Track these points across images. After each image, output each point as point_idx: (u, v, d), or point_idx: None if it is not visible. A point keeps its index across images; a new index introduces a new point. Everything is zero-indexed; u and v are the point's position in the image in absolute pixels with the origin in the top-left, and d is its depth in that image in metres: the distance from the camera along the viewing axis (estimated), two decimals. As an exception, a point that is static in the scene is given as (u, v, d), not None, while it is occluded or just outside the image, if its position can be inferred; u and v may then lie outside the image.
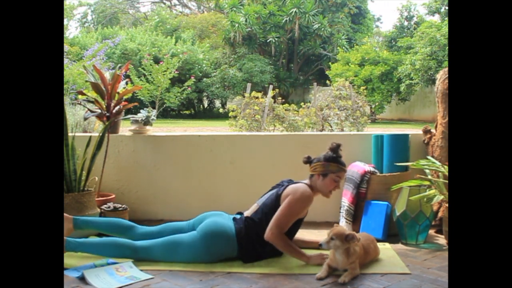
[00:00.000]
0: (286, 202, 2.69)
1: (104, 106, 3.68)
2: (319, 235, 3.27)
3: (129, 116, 4.01)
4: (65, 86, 6.36)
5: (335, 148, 2.84)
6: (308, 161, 2.87)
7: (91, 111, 3.66)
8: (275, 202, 2.74)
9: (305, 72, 24.59)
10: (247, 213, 2.83)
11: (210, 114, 22.32)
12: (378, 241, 3.13)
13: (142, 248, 2.66)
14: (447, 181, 3.00)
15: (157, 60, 14.28)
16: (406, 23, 23.58)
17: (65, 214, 2.84)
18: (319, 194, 2.84)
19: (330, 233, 2.46)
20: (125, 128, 4.15)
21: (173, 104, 14.91)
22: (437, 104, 3.58)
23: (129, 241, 2.70)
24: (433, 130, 3.60)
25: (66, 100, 5.82)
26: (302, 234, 3.07)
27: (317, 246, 2.56)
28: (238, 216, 2.83)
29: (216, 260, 2.66)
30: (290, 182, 2.87)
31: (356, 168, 3.42)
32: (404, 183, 3.18)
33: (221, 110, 17.51)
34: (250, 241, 2.68)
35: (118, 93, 3.73)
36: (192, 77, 14.26)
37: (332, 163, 2.78)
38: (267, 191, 2.93)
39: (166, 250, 2.64)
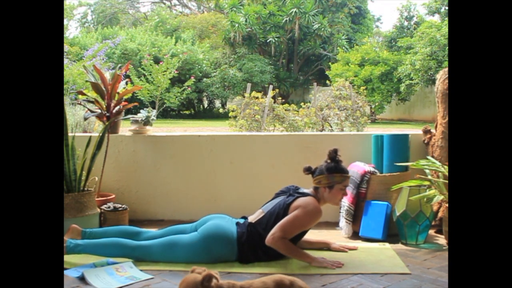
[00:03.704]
0: (295, 213, 2.65)
1: (104, 106, 3.68)
2: (320, 235, 3.28)
3: (129, 116, 4.01)
4: (65, 86, 6.36)
5: (334, 156, 2.79)
6: (310, 171, 2.83)
7: (91, 111, 3.66)
8: (283, 212, 2.70)
9: (305, 72, 24.59)
10: (251, 218, 2.81)
11: (210, 114, 22.33)
12: (378, 241, 3.15)
13: (142, 247, 2.66)
14: (447, 181, 3.00)
15: (157, 60, 14.29)
16: (406, 23, 23.59)
17: (75, 226, 2.84)
18: (327, 203, 2.81)
19: None
20: (125, 128, 4.14)
21: (173, 104, 14.91)
22: (437, 104, 3.58)
23: (128, 240, 2.70)
24: (433, 130, 3.60)
25: (66, 100, 5.82)
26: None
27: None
28: (241, 221, 2.81)
29: (215, 262, 2.65)
30: (297, 189, 2.83)
31: (356, 168, 3.42)
32: (404, 183, 3.18)
33: (221, 110, 17.53)
34: (251, 247, 2.66)
35: (118, 93, 3.73)
36: (192, 77, 14.25)
37: (335, 174, 2.75)
38: (272, 197, 2.89)
39: (165, 250, 2.64)
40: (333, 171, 2.75)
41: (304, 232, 2.79)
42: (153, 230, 2.91)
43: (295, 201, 2.71)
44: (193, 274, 1.87)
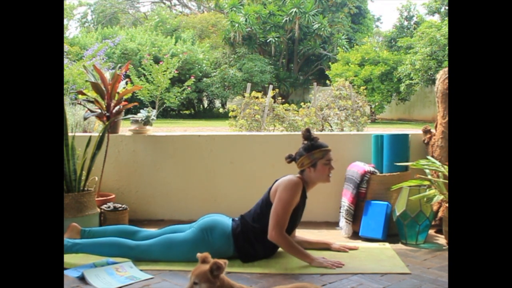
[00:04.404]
0: (276, 197, 2.69)
1: (104, 106, 3.68)
2: (320, 235, 3.28)
3: (129, 116, 4.01)
4: (65, 86, 6.36)
5: (308, 135, 2.83)
6: (292, 158, 2.86)
7: (91, 111, 3.66)
8: (266, 200, 2.76)
9: (305, 72, 24.59)
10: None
11: (210, 114, 22.33)
12: (378, 241, 3.15)
13: (140, 246, 2.66)
14: (447, 181, 3.00)
15: (157, 60, 14.29)
16: (406, 23, 23.59)
17: (74, 224, 2.85)
18: (318, 183, 2.83)
19: (191, 277, 1.94)
20: (125, 128, 4.15)
21: (173, 104, 14.92)
22: (437, 104, 3.58)
23: (126, 240, 2.70)
24: (433, 130, 3.60)
25: (66, 100, 5.82)
26: (303, 234, 3.07)
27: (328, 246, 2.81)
28: (237, 218, 2.84)
29: (213, 256, 2.65)
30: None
31: (356, 168, 3.42)
32: (404, 183, 3.18)
33: (221, 110, 17.53)
34: (246, 239, 2.69)
35: (118, 93, 3.73)
36: (192, 77, 14.25)
37: (314, 151, 2.77)
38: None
39: (164, 248, 2.65)
40: (311, 149, 2.78)
41: (296, 215, 2.77)
42: (151, 230, 2.92)
43: (273, 186, 2.78)
44: (202, 264, 1.97)
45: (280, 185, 2.73)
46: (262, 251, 2.72)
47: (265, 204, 2.75)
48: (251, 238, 2.70)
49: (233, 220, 2.81)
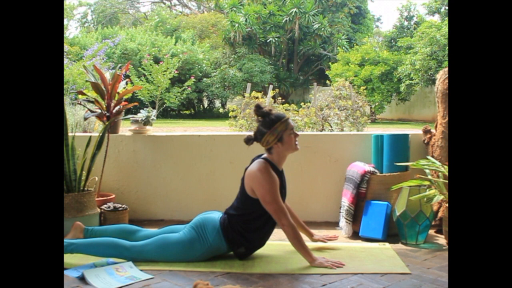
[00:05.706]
0: (259, 195, 2.64)
1: (104, 106, 3.68)
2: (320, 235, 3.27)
3: (129, 116, 4.01)
4: (65, 86, 6.36)
5: (261, 111, 2.73)
6: (253, 139, 2.78)
7: (91, 111, 3.66)
8: (242, 191, 2.74)
9: (305, 72, 24.59)
10: None
11: (210, 114, 22.32)
12: (378, 241, 3.15)
13: (135, 247, 2.66)
14: (447, 181, 3.00)
15: (157, 60, 14.30)
16: (406, 23, 23.60)
17: (78, 223, 2.86)
18: (288, 155, 2.79)
19: None
20: (125, 128, 4.14)
21: (173, 104, 14.94)
22: (437, 104, 3.58)
23: (122, 240, 2.69)
24: (433, 130, 3.60)
25: (66, 100, 5.82)
26: (304, 232, 3.06)
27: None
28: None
29: (208, 254, 2.67)
30: (254, 159, 2.84)
31: (356, 168, 3.42)
32: (404, 183, 3.18)
33: (221, 110, 17.53)
34: (234, 230, 2.67)
35: (118, 93, 3.73)
36: (192, 77, 14.27)
37: (276, 125, 2.69)
38: None
39: (158, 247, 2.65)
40: (271, 124, 2.70)
41: (280, 190, 2.73)
42: (150, 229, 2.92)
43: (244, 178, 2.73)
44: (198, 283, 1.90)
45: (253, 181, 2.66)
46: (254, 238, 2.71)
47: (243, 195, 2.72)
48: (239, 229, 2.68)
49: (222, 214, 2.80)
